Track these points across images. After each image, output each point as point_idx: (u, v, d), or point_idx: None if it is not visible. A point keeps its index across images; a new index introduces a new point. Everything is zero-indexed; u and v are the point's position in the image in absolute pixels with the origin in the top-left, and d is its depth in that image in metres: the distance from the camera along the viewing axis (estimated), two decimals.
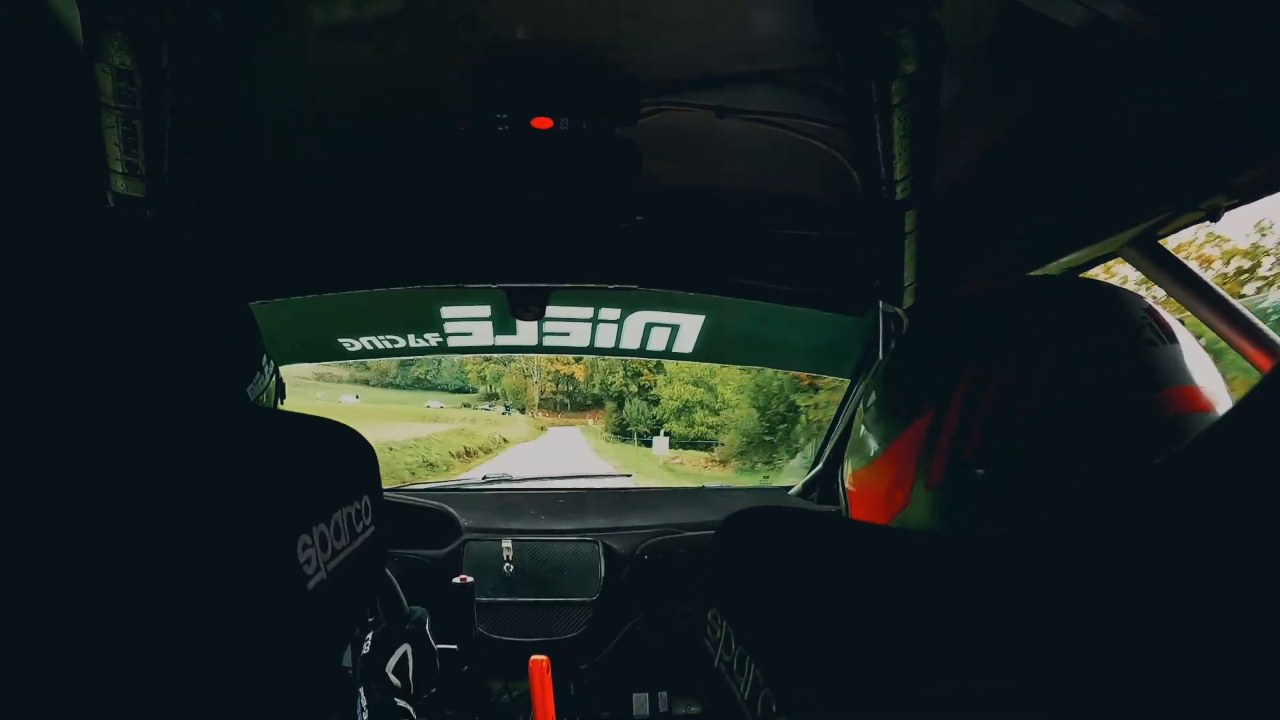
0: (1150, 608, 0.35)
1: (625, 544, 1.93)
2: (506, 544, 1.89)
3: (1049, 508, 0.58)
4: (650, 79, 1.28)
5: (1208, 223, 1.05)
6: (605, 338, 2.15)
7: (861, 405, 0.75)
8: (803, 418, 23.67)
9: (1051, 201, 1.32)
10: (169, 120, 1.08)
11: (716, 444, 33.50)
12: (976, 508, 0.62)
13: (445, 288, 1.83)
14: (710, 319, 2.12)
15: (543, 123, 1.29)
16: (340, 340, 2.12)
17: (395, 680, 1.37)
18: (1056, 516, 0.45)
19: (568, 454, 31.69)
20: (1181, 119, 1.01)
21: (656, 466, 30.34)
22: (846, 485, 0.77)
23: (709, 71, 1.26)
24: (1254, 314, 1.05)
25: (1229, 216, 1.04)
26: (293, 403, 1.22)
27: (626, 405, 44.61)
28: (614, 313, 2.08)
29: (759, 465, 26.85)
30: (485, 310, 2.04)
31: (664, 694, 1.84)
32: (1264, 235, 16.57)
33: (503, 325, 2.08)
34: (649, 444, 38.29)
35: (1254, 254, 16.75)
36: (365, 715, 1.32)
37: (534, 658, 1.58)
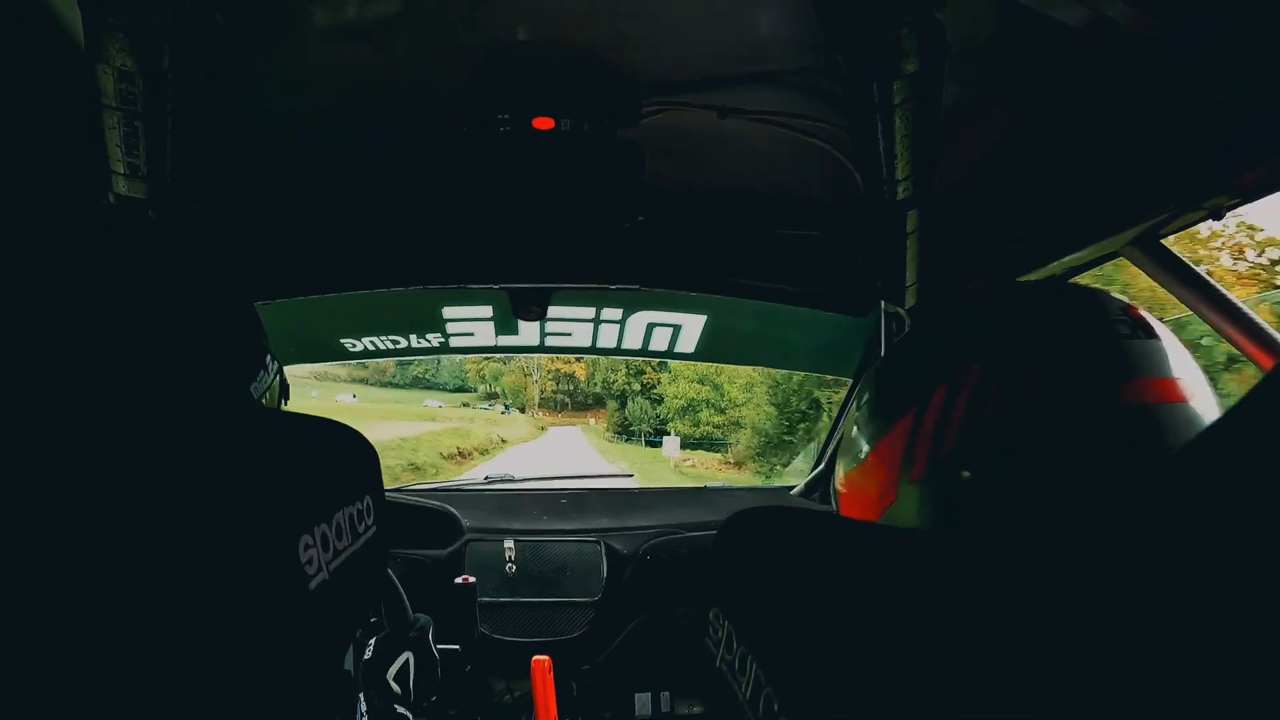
0: (1151, 608, 0.35)
1: (627, 544, 1.93)
2: (509, 544, 1.90)
3: (1030, 504, 0.58)
4: (652, 79, 1.28)
5: (1233, 212, 1.04)
6: (607, 338, 2.15)
7: (853, 407, 0.76)
8: (825, 415, 21.87)
9: (1053, 201, 1.32)
10: (170, 122, 1.09)
11: (725, 444, 32.37)
12: (958, 506, 0.62)
13: (447, 288, 1.83)
14: (712, 319, 2.12)
15: (544, 123, 1.29)
16: (343, 341, 2.12)
17: (396, 687, 1.37)
18: (1057, 516, 0.45)
19: (569, 454, 29.75)
20: (1183, 118, 1.01)
21: (667, 470, 27.75)
22: (836, 486, 0.78)
23: (710, 72, 1.26)
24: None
25: (1262, 204, 1.03)
26: (289, 402, 1.22)
27: (629, 404, 44.03)
28: (616, 313, 2.09)
29: (777, 468, 25.12)
30: (487, 311, 2.05)
31: (666, 694, 1.84)
32: None
33: (505, 325, 2.09)
34: (655, 444, 36.85)
35: None
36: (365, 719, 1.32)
37: (536, 658, 1.58)
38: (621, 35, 1.19)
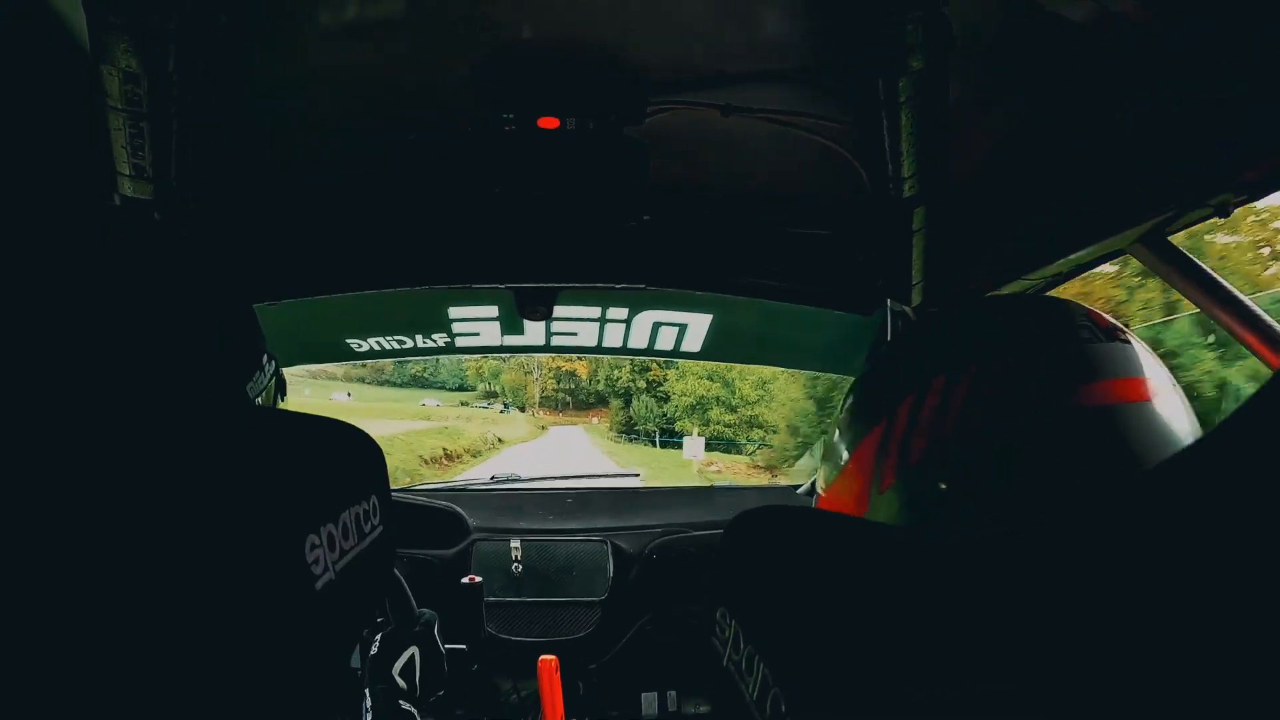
0: (1152, 608, 0.35)
1: (633, 543, 1.93)
2: (515, 544, 1.90)
3: (999, 510, 0.59)
4: (657, 78, 1.28)
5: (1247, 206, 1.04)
6: (613, 337, 2.15)
7: (838, 413, 0.77)
8: None
9: (1060, 199, 1.32)
10: (175, 123, 1.09)
11: (754, 445, 30.78)
12: (928, 515, 0.63)
13: (453, 288, 1.83)
14: (718, 318, 2.11)
15: (549, 122, 1.29)
16: (348, 341, 2.13)
17: (401, 682, 1.38)
18: (1059, 516, 0.45)
19: (572, 456, 27.31)
20: (1188, 116, 1.01)
21: (689, 475, 23.62)
22: (819, 491, 0.79)
23: (716, 70, 1.26)
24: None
25: None
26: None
27: (634, 402, 43.49)
28: (621, 312, 2.08)
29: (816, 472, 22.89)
30: (493, 310, 2.05)
31: (673, 693, 1.85)
32: None
33: (510, 325, 2.09)
34: (670, 445, 34.65)
35: None
36: (370, 716, 1.33)
37: (543, 657, 1.58)
38: (626, 33, 1.19)
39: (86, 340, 0.55)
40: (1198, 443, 0.40)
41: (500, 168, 1.33)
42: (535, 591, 1.90)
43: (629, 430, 42.99)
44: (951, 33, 1.03)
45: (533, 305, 1.83)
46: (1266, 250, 15.17)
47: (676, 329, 2.14)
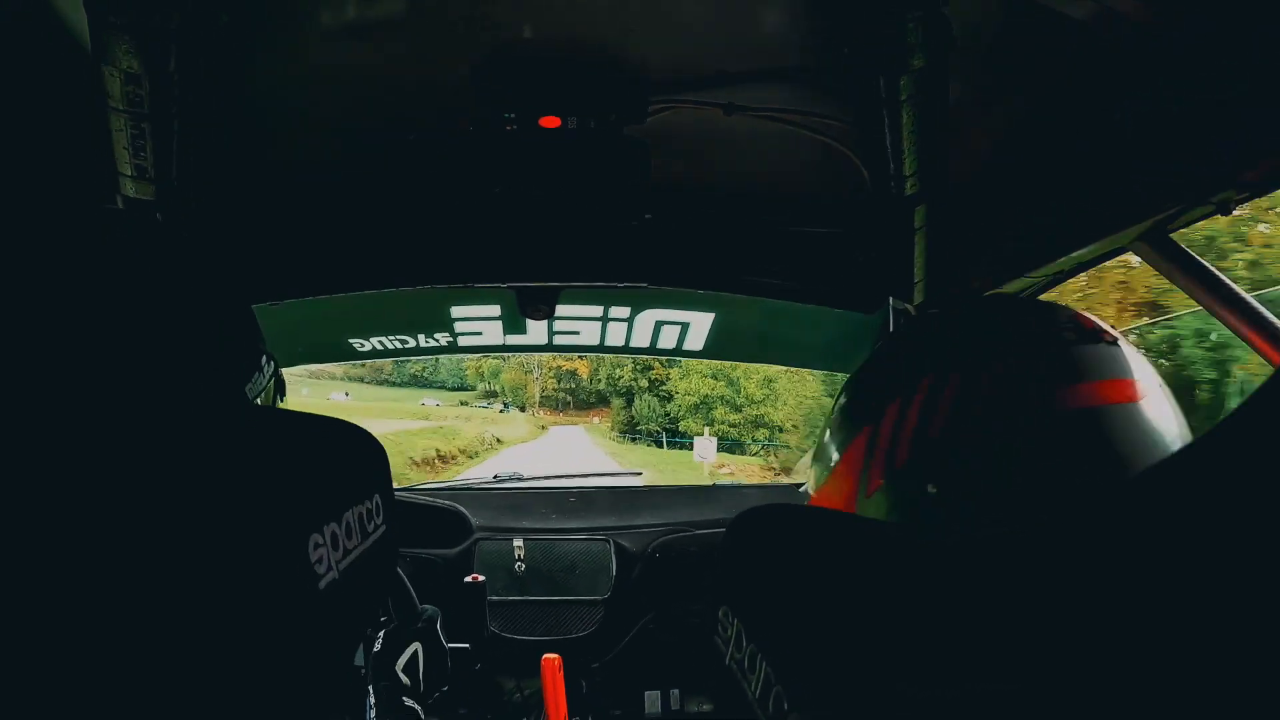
0: (1152, 608, 0.35)
1: (636, 542, 1.94)
2: (518, 543, 1.90)
3: (986, 513, 0.59)
4: (658, 77, 1.28)
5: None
6: (615, 336, 2.15)
7: (830, 415, 0.77)
8: None
9: (1062, 196, 1.32)
10: (177, 123, 1.09)
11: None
12: (915, 517, 0.63)
13: (455, 288, 1.83)
14: (720, 316, 2.11)
15: (550, 122, 1.29)
16: (351, 341, 2.12)
17: (405, 679, 1.38)
18: (1060, 516, 0.45)
19: (572, 457, 25.73)
20: (1189, 115, 1.00)
21: (701, 479, 18.59)
22: (809, 491, 0.79)
23: (717, 69, 1.26)
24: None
25: None
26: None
27: (636, 401, 42.77)
28: (624, 311, 2.08)
29: None
30: (495, 310, 2.04)
31: (676, 692, 1.85)
32: None
33: (513, 324, 2.08)
34: (672, 445, 33.79)
35: None
36: (373, 713, 1.33)
37: (546, 656, 1.58)
38: (627, 33, 1.19)
39: (88, 341, 0.55)
40: (1199, 440, 0.40)
41: (502, 167, 1.33)
42: (538, 590, 1.90)
43: (631, 430, 42.40)
44: (952, 32, 1.03)
45: (535, 304, 1.83)
46: None
47: (679, 328, 2.13)
